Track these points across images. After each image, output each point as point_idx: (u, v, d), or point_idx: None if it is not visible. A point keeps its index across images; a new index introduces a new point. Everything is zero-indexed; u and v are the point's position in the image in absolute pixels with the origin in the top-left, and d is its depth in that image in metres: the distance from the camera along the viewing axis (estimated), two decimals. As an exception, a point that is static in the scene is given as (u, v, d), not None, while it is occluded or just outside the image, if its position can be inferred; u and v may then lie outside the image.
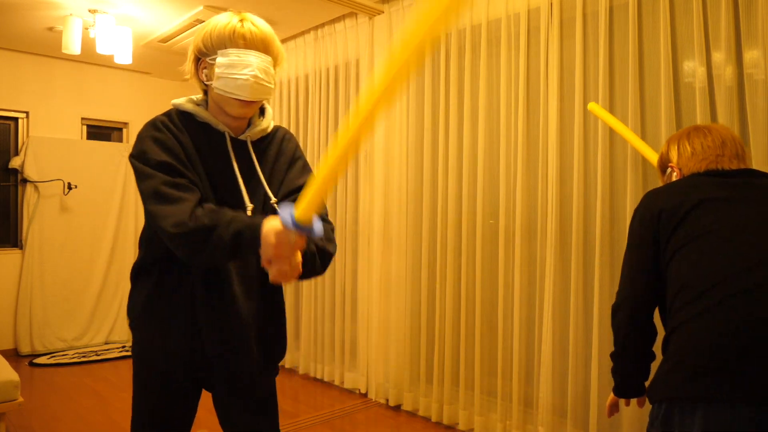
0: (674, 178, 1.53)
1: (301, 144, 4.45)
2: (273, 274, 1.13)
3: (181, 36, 4.03)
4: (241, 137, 1.43)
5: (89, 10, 3.57)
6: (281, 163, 1.49)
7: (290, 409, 3.39)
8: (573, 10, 2.61)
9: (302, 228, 1.06)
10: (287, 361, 4.20)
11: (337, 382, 3.82)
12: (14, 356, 4.47)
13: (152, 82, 5.30)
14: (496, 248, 2.91)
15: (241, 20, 1.35)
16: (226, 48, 1.33)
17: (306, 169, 1.54)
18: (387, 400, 3.46)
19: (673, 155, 1.55)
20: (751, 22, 2.08)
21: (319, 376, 3.95)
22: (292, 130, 4.22)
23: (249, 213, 1.37)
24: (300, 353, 4.10)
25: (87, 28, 3.73)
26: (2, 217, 4.62)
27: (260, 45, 1.35)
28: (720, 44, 2.15)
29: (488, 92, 2.95)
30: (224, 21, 1.35)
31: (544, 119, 2.71)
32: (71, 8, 3.56)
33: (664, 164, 1.60)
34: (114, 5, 3.53)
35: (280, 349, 1.63)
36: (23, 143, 4.60)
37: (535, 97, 2.77)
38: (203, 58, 1.37)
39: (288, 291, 4.19)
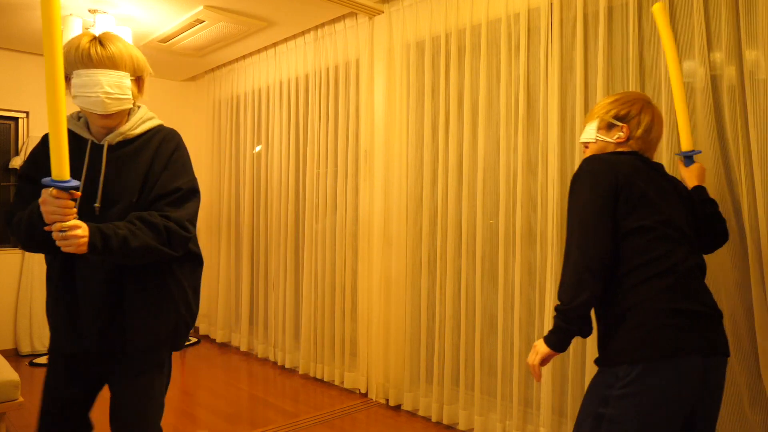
0: (615, 139, 1.64)
1: (300, 144, 4.48)
2: (57, 240, 1.32)
3: (181, 36, 4.03)
4: (102, 142, 1.57)
5: (89, 10, 3.57)
6: (157, 165, 1.59)
7: (290, 409, 3.39)
8: (573, 10, 2.61)
9: (55, 183, 1.28)
10: (287, 361, 4.21)
11: (337, 382, 3.82)
12: (14, 356, 4.47)
13: (152, 82, 5.28)
14: (496, 248, 2.91)
15: (91, 40, 1.49)
16: (77, 68, 1.48)
17: (183, 171, 1.62)
18: (387, 400, 3.46)
19: (633, 120, 1.64)
20: (752, 22, 2.08)
21: (319, 376, 3.95)
22: (292, 130, 4.23)
23: (97, 212, 1.53)
24: (300, 353, 4.10)
25: (87, 28, 3.73)
26: (2, 217, 4.62)
27: (109, 63, 1.50)
28: (720, 44, 2.15)
29: (488, 92, 2.95)
30: (75, 43, 1.49)
31: (544, 119, 2.71)
32: (71, 8, 3.56)
33: (620, 118, 1.65)
34: (114, 5, 3.53)
35: (140, 328, 1.61)
36: (23, 143, 4.60)
37: (535, 97, 2.77)
38: (68, 76, 1.50)
39: (288, 291, 4.20)
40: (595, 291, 1.48)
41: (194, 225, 1.64)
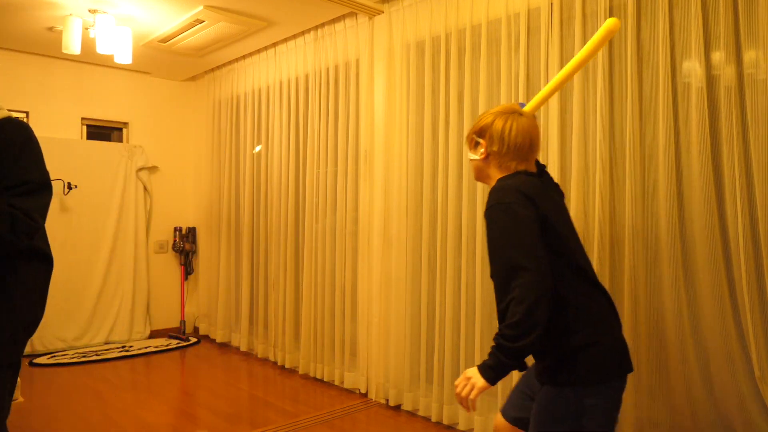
0: (479, 155, 1.67)
1: (300, 144, 4.49)
2: None
3: (181, 36, 4.04)
4: None
5: (89, 10, 3.57)
6: (5, 157, 1.53)
7: (290, 409, 3.39)
8: (573, 10, 2.61)
9: None
10: (287, 361, 4.21)
11: (337, 382, 3.82)
12: (14, 356, 4.47)
13: (152, 82, 5.30)
14: (496, 248, 2.90)
15: None
16: None
17: (33, 164, 1.58)
18: (387, 400, 3.46)
19: (496, 135, 1.63)
20: (751, 22, 2.08)
21: (319, 376, 3.95)
22: (292, 130, 4.23)
23: None
24: (300, 353, 4.10)
25: (87, 28, 3.73)
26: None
27: None
28: (719, 44, 2.15)
29: (488, 92, 2.95)
30: None
31: (544, 119, 2.71)
32: (71, 8, 3.57)
33: (481, 133, 1.67)
34: (114, 5, 3.54)
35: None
36: (23, 143, 4.59)
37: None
38: None
39: (288, 291, 4.20)
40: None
41: (43, 218, 1.58)
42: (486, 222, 1.54)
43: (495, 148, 1.63)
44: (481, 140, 1.67)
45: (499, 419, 1.87)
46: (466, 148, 2.20)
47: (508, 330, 1.43)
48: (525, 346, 1.42)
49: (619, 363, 1.53)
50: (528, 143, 1.63)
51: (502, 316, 1.50)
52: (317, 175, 4.02)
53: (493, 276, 1.55)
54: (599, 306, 1.57)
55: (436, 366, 3.15)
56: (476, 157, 1.68)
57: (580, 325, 1.52)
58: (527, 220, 1.48)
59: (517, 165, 1.63)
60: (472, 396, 1.48)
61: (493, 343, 1.47)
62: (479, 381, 1.47)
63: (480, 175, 1.72)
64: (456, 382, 1.52)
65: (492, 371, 1.46)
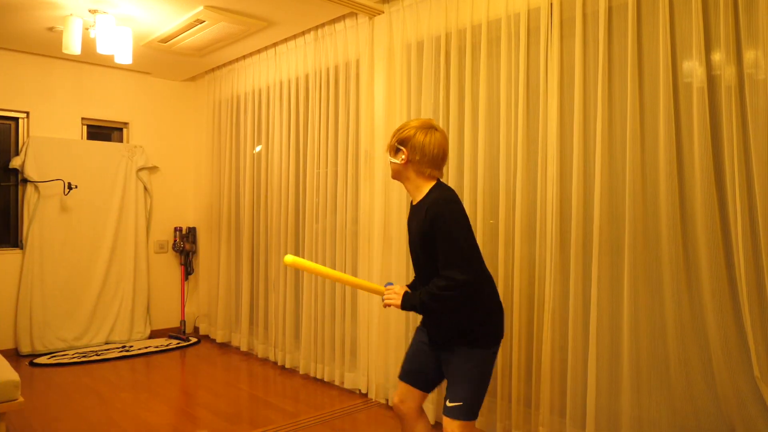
0: (399, 160, 2.01)
1: (301, 144, 4.50)
2: None
3: (181, 36, 4.04)
4: None
5: (89, 10, 3.57)
6: None
7: (290, 409, 3.39)
8: (573, 10, 2.61)
9: None
10: (287, 361, 4.21)
11: (337, 382, 3.82)
12: (14, 356, 4.47)
13: (152, 82, 5.30)
14: (496, 248, 2.90)
15: None
16: None
17: None
18: (387, 400, 3.46)
19: (417, 146, 1.97)
20: (751, 22, 2.08)
21: (319, 376, 3.95)
22: (292, 130, 4.23)
23: None
24: (300, 353, 4.10)
25: (87, 28, 3.73)
26: (2, 217, 4.62)
27: None
28: (719, 44, 2.15)
29: (488, 92, 2.95)
30: None
31: (544, 119, 2.71)
32: (71, 8, 3.57)
33: (403, 142, 2.00)
34: (114, 5, 3.54)
35: None
36: (23, 143, 4.60)
37: (535, 97, 2.77)
38: None
39: (288, 291, 4.20)
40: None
41: None
42: (442, 221, 1.87)
43: (417, 158, 1.97)
44: (402, 148, 2.00)
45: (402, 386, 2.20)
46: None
47: (428, 297, 1.92)
48: (441, 309, 1.96)
49: (499, 332, 2.05)
50: (441, 154, 2.00)
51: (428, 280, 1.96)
52: (317, 175, 4.02)
53: (431, 253, 1.94)
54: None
55: (436, 366, 3.14)
56: (397, 161, 2.02)
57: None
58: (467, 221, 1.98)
59: (431, 171, 1.99)
60: (389, 305, 2.02)
61: (419, 292, 1.94)
62: (398, 302, 1.99)
63: (397, 176, 2.07)
64: (392, 291, 2.01)
65: (412, 306, 1.97)
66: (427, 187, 2.00)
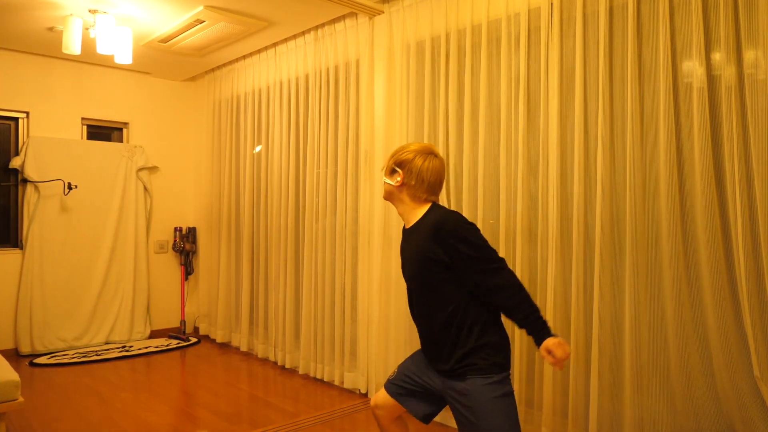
0: (394, 181, 1.93)
1: (301, 144, 4.50)
2: None
3: (181, 36, 4.03)
4: None
5: (89, 10, 3.57)
6: None
7: (290, 409, 3.39)
8: (573, 10, 2.61)
9: None
10: (287, 361, 4.21)
11: (337, 382, 3.82)
12: (14, 356, 4.47)
13: (152, 82, 5.30)
14: (496, 248, 2.90)
15: None
16: None
17: None
18: (387, 400, 3.45)
19: (414, 171, 1.90)
20: (752, 22, 2.08)
21: (319, 376, 3.95)
22: (292, 130, 4.23)
23: None
24: (300, 353, 4.10)
25: (87, 28, 3.73)
26: (2, 217, 4.62)
27: None
28: (719, 44, 2.15)
29: (488, 92, 2.95)
30: None
31: (545, 119, 2.71)
32: (71, 8, 3.57)
33: (401, 165, 1.92)
34: (114, 5, 3.53)
35: None
36: (23, 143, 4.60)
37: (535, 97, 2.77)
38: None
39: (288, 291, 4.20)
40: None
41: None
42: (461, 236, 1.76)
43: (412, 182, 1.90)
44: (399, 170, 1.92)
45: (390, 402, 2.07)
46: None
47: (532, 305, 1.74)
48: (527, 295, 1.78)
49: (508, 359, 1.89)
50: (438, 181, 1.93)
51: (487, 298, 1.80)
52: (317, 175, 4.02)
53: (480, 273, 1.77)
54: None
55: (436, 366, 3.14)
56: (391, 182, 1.94)
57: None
58: None
59: (427, 197, 1.91)
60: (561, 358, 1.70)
61: (530, 317, 1.73)
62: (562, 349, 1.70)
63: (390, 198, 1.99)
64: (559, 351, 1.68)
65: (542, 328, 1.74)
66: (422, 209, 1.92)
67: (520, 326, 1.75)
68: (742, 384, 2.10)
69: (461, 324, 1.78)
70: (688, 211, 2.25)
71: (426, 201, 1.92)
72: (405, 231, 1.99)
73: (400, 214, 1.99)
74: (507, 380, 1.79)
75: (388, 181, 1.96)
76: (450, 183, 3.11)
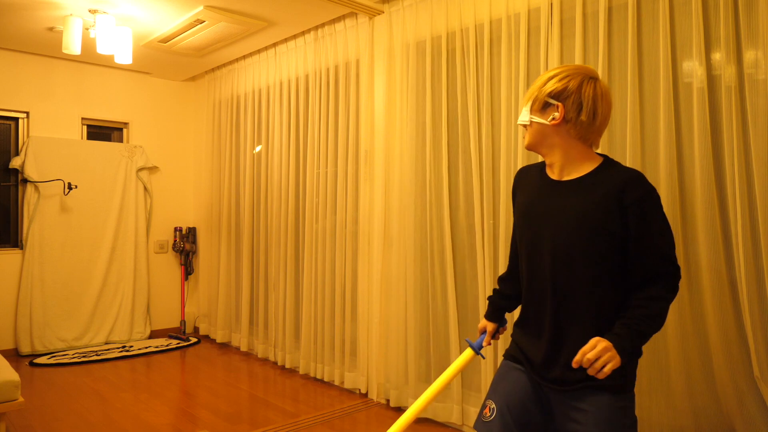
0: (550, 120, 1.45)
1: (301, 144, 4.51)
2: None
3: (181, 36, 4.04)
4: None
5: (89, 10, 3.57)
6: None
7: (290, 409, 3.39)
8: (573, 10, 2.61)
9: None
10: (287, 361, 4.21)
11: (337, 382, 3.82)
12: (14, 356, 4.47)
13: (152, 82, 5.30)
14: (496, 248, 2.90)
15: None
16: None
17: None
18: (387, 400, 3.46)
19: (570, 99, 1.43)
20: (752, 22, 2.08)
21: (319, 376, 3.95)
22: (292, 130, 4.23)
23: None
24: (300, 353, 4.10)
25: (87, 28, 3.73)
26: (2, 217, 4.62)
27: None
28: (720, 44, 2.15)
29: (489, 92, 2.95)
30: None
31: (544, 119, 2.70)
32: (71, 8, 3.57)
33: (560, 95, 1.44)
34: (114, 5, 3.54)
35: None
36: (23, 143, 4.60)
37: (535, 97, 2.77)
38: None
39: (288, 291, 4.20)
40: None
41: None
42: (651, 200, 1.40)
43: (583, 118, 1.42)
44: (557, 103, 1.44)
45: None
46: (521, 106, 2.02)
47: (650, 321, 1.39)
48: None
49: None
50: (609, 115, 1.46)
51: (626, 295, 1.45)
52: (317, 175, 4.02)
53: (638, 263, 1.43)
54: None
55: (436, 366, 3.14)
56: (543, 121, 1.46)
57: None
58: None
59: (595, 139, 1.47)
60: (606, 370, 1.33)
61: (626, 327, 1.37)
62: (616, 359, 1.34)
63: (541, 143, 1.50)
64: (591, 353, 1.33)
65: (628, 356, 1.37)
66: (591, 159, 1.47)
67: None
68: (742, 384, 2.10)
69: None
70: (688, 211, 2.25)
71: (593, 147, 1.49)
72: (553, 183, 1.51)
73: (551, 165, 1.52)
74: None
75: (538, 119, 1.47)
76: (449, 182, 3.11)
